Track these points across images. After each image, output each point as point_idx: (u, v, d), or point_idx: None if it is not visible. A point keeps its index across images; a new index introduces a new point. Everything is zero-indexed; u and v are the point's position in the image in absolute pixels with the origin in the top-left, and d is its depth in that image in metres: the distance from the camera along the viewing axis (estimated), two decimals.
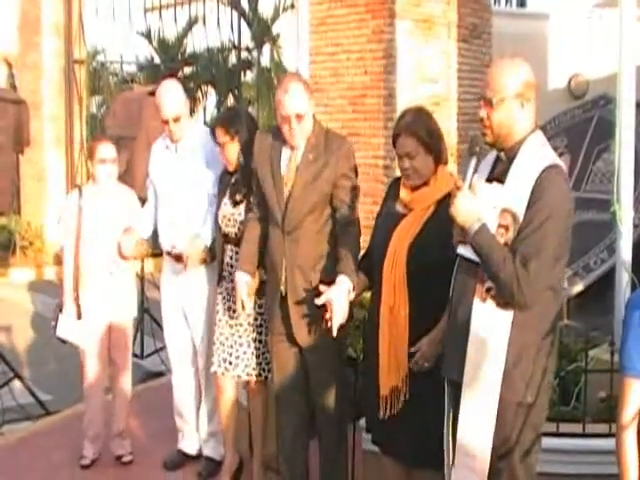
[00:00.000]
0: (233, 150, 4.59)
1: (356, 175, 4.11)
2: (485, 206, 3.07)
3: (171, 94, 4.91)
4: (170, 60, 17.43)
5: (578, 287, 5.85)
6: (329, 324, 3.74)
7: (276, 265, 4.12)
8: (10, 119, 6.59)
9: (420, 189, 3.73)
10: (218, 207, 4.71)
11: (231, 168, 4.64)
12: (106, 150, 5.13)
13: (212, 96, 17.16)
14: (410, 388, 3.62)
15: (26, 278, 12.20)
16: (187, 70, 18.19)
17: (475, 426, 3.09)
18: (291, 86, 4.05)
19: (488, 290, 3.09)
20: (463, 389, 3.12)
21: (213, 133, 4.65)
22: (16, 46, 14.07)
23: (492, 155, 3.30)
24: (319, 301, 3.75)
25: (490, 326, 3.06)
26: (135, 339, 7.07)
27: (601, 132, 7.12)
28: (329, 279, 3.90)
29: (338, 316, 3.73)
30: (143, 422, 5.81)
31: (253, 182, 4.32)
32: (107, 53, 15.37)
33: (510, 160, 3.15)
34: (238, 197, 4.57)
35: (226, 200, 4.66)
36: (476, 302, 3.10)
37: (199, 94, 17.68)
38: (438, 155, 3.74)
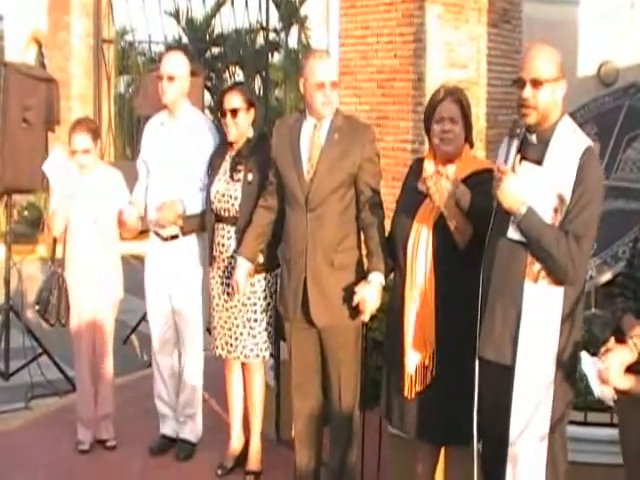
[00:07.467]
0: (244, 120, 4.56)
1: (378, 161, 4.14)
2: (528, 188, 3.13)
3: (175, 56, 5.00)
4: (198, 40, 17.41)
5: (606, 276, 5.81)
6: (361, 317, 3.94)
7: (299, 251, 4.08)
8: (41, 97, 6.60)
9: (445, 167, 3.73)
10: (211, 183, 4.65)
11: (233, 138, 4.59)
12: (79, 141, 5.02)
13: (239, 77, 17.12)
14: (436, 366, 3.65)
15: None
16: (215, 50, 18.17)
17: (534, 401, 3.16)
18: (324, 55, 4.18)
19: (539, 270, 3.15)
20: (517, 367, 3.17)
21: (221, 101, 4.59)
22: (46, 25, 14.14)
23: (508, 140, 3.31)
24: (354, 301, 3.88)
25: (544, 305, 3.14)
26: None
27: (631, 121, 7.05)
28: (349, 261, 4.04)
29: (370, 310, 3.90)
30: (125, 407, 5.65)
31: (270, 171, 4.28)
32: (135, 33, 15.33)
33: (545, 143, 3.21)
34: (236, 176, 4.53)
35: (220, 176, 4.62)
36: (527, 283, 3.16)
37: (227, 75, 17.67)
38: (468, 134, 3.76)
